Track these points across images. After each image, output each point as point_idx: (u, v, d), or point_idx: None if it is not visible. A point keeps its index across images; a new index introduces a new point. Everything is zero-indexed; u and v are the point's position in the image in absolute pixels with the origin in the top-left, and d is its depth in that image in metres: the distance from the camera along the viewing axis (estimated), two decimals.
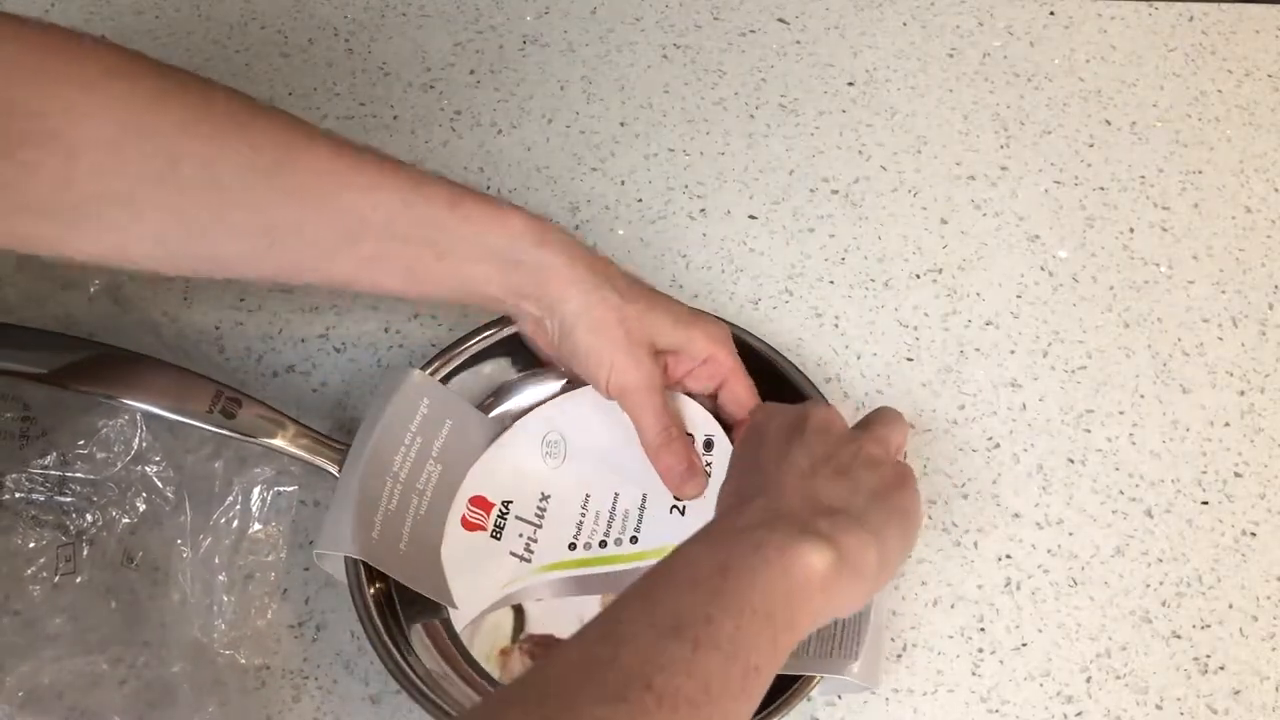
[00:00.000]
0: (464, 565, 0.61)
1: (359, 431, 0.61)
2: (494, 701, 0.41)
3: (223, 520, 0.60)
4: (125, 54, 0.51)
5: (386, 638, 0.57)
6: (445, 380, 0.64)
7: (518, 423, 0.65)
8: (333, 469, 0.60)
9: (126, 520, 0.60)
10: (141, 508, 0.60)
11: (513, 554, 0.62)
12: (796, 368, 0.66)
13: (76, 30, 0.50)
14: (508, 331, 0.65)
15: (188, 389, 0.61)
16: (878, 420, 0.57)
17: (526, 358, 0.67)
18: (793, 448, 0.53)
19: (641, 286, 0.60)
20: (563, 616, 0.60)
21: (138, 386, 0.60)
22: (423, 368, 0.64)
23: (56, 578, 0.58)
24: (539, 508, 0.63)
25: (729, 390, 0.63)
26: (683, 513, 0.63)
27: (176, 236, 0.53)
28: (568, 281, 0.57)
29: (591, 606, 0.60)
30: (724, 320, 0.65)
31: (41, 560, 0.59)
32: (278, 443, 0.61)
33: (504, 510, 0.63)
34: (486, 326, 0.66)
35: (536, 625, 0.60)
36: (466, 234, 0.56)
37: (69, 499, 0.60)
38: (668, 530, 0.62)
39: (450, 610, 0.60)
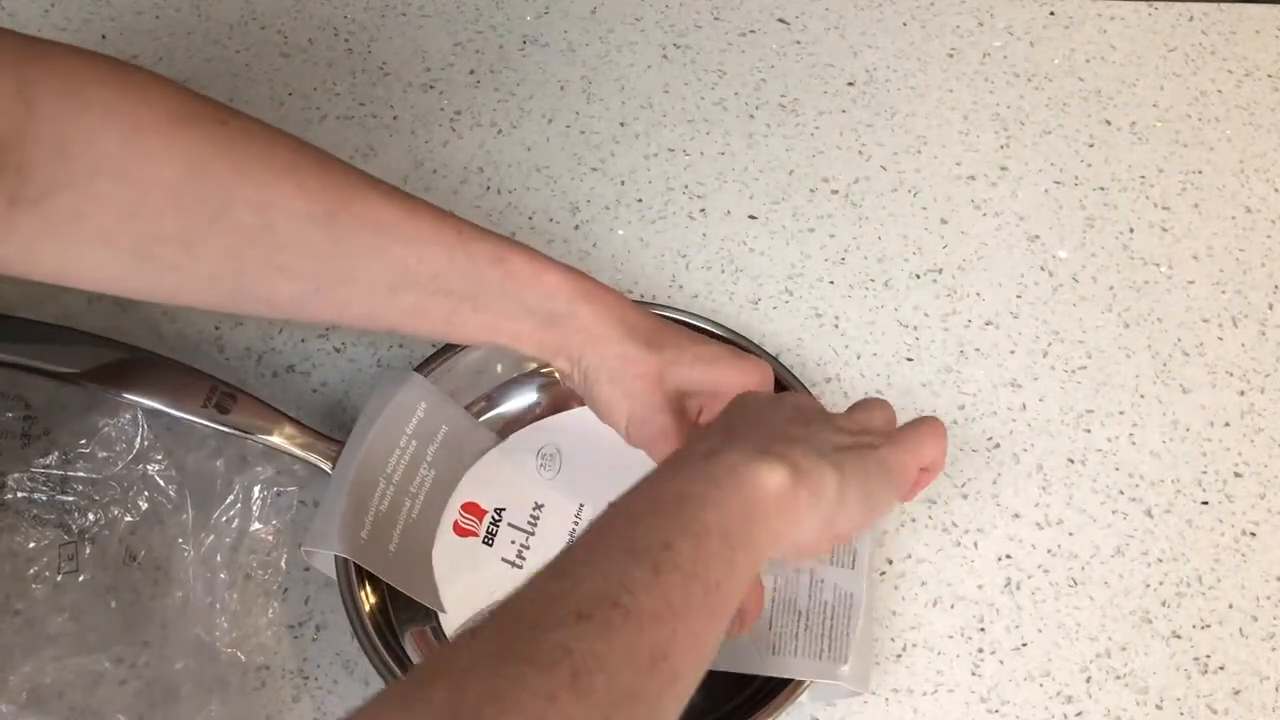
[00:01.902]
0: (455, 570, 0.61)
1: (354, 430, 0.61)
2: (454, 641, 0.42)
3: (224, 519, 0.60)
4: (195, 99, 0.53)
5: (378, 641, 0.56)
6: (437, 381, 0.64)
7: (514, 435, 0.66)
8: (326, 466, 0.61)
9: (128, 519, 0.60)
10: (143, 506, 0.60)
11: (504, 560, 0.62)
12: (791, 372, 0.67)
13: (155, 74, 0.52)
14: None
15: (182, 384, 0.61)
16: (857, 407, 0.58)
17: (519, 363, 0.67)
18: (766, 409, 0.54)
19: (672, 334, 0.60)
20: None
21: (133, 381, 0.61)
22: (418, 366, 0.64)
23: (59, 577, 0.59)
24: (532, 516, 0.63)
25: None
26: None
27: (229, 278, 0.54)
28: (592, 337, 0.58)
29: None
30: (731, 334, 0.64)
31: (44, 559, 0.59)
32: (273, 439, 0.61)
33: (496, 517, 0.63)
34: None
35: None
36: (507, 291, 0.57)
37: (71, 498, 0.60)
38: None
39: (440, 615, 0.60)
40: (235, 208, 0.52)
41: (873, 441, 0.53)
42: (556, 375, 0.66)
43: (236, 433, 0.61)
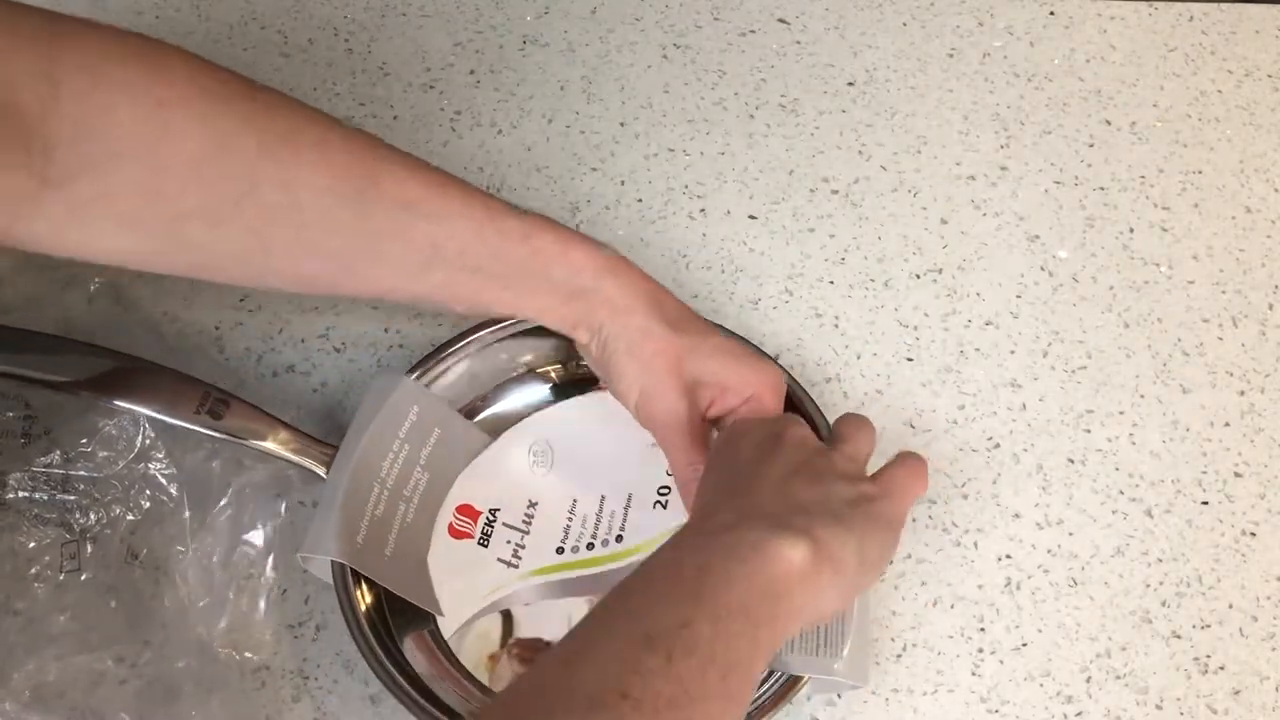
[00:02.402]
0: (451, 572, 0.61)
1: (347, 435, 0.61)
2: None
3: (221, 519, 0.60)
4: (222, 74, 0.52)
5: (376, 645, 0.56)
6: (433, 382, 0.64)
7: (505, 433, 0.66)
8: (320, 471, 0.60)
9: (130, 518, 0.60)
10: (145, 505, 0.60)
11: (500, 560, 0.62)
12: (791, 373, 0.66)
13: (181, 49, 0.52)
14: (499, 335, 0.65)
15: (176, 390, 0.61)
16: (845, 436, 0.56)
17: (513, 363, 0.67)
18: (767, 457, 0.53)
19: (696, 321, 0.60)
20: (551, 619, 0.60)
21: (127, 388, 0.61)
22: (411, 368, 0.64)
23: (60, 576, 0.58)
24: (526, 515, 0.63)
25: None
26: (665, 506, 0.63)
27: (257, 256, 0.54)
28: (616, 309, 0.58)
29: (580, 607, 0.60)
30: (742, 337, 0.64)
31: (45, 559, 0.59)
32: (266, 444, 0.61)
33: (491, 518, 0.63)
34: (477, 329, 0.66)
35: (524, 629, 0.60)
36: (533, 268, 0.57)
37: (72, 497, 0.60)
38: (651, 525, 0.62)
39: (439, 617, 0.60)
40: (261, 186, 0.52)
41: (870, 492, 0.52)
42: (559, 354, 0.66)
43: (230, 438, 0.60)
